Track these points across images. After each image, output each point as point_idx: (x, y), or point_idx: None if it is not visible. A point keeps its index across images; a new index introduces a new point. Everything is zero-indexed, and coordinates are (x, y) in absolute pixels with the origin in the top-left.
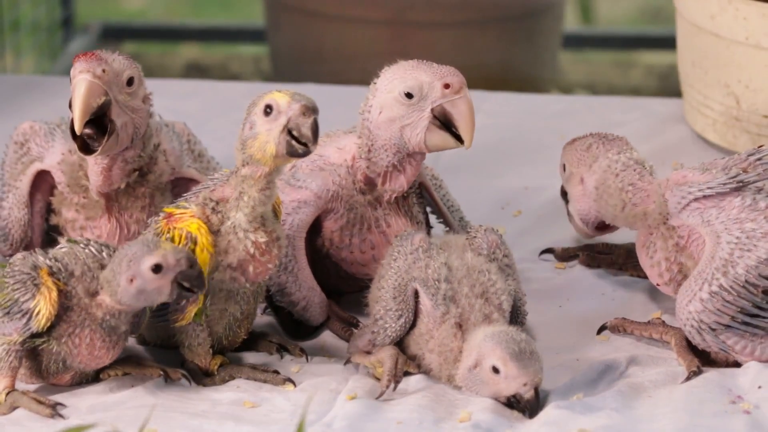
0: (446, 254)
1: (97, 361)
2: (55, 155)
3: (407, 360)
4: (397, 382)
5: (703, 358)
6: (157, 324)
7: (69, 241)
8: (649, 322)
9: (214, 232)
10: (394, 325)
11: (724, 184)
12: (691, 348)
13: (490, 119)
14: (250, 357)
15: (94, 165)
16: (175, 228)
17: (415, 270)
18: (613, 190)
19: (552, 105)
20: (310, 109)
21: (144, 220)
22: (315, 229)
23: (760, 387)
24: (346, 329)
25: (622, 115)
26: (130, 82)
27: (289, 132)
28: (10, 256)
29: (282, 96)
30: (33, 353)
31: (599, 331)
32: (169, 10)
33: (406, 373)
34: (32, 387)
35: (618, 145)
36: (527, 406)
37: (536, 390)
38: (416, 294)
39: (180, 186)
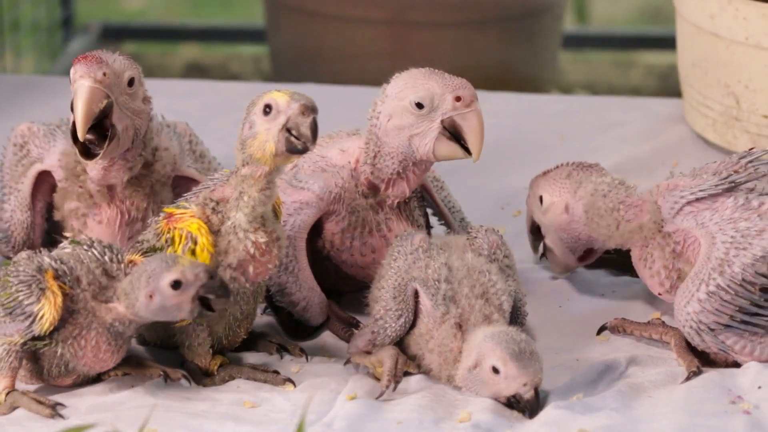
0: (446, 254)
1: (102, 364)
2: (56, 155)
3: (407, 360)
4: (397, 382)
5: (702, 359)
6: (157, 324)
7: (72, 242)
8: (648, 322)
9: (215, 232)
10: (393, 325)
11: (716, 185)
12: (691, 348)
13: (490, 119)
14: (250, 357)
15: (94, 164)
16: (175, 228)
17: (415, 270)
18: (604, 211)
19: (552, 105)
20: (309, 109)
21: (145, 208)
22: (316, 230)
23: (760, 387)
24: (345, 329)
25: (622, 115)
26: (130, 83)
27: (288, 131)
28: (10, 257)
29: (281, 95)
30: (34, 356)
31: (599, 332)
32: (169, 10)
33: (406, 373)
34: (32, 388)
35: (597, 169)
36: (527, 406)
37: (536, 390)
38: (416, 294)
39: (180, 186)
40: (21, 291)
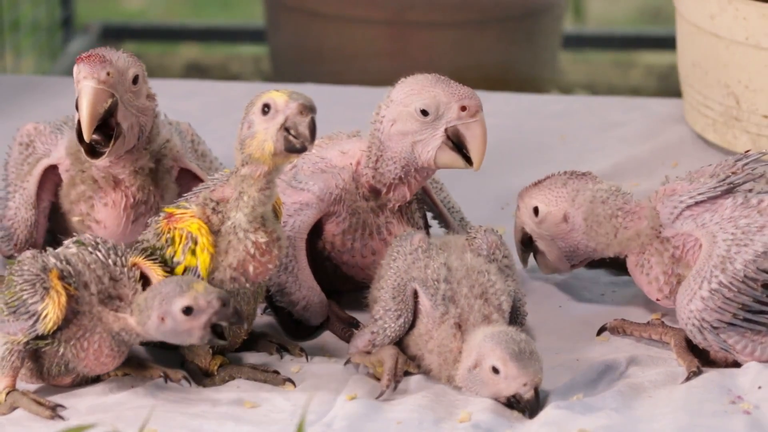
0: (446, 254)
1: (102, 367)
2: (62, 147)
3: (407, 360)
4: (397, 382)
5: (702, 358)
6: None
7: (77, 242)
8: (648, 323)
9: (215, 233)
10: (393, 325)
11: (715, 188)
12: (691, 348)
13: (490, 119)
14: (250, 357)
15: (100, 162)
16: (175, 228)
17: (415, 270)
18: (603, 218)
19: (552, 105)
20: (308, 108)
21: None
22: (316, 231)
23: (760, 387)
24: (346, 330)
25: (622, 115)
26: (135, 80)
27: (287, 131)
28: (12, 257)
29: (279, 95)
30: (35, 354)
31: (599, 333)
32: (169, 10)
33: (407, 373)
34: (32, 387)
35: (591, 177)
36: (527, 406)
37: (536, 390)
38: (416, 294)
39: (183, 182)
40: (25, 290)
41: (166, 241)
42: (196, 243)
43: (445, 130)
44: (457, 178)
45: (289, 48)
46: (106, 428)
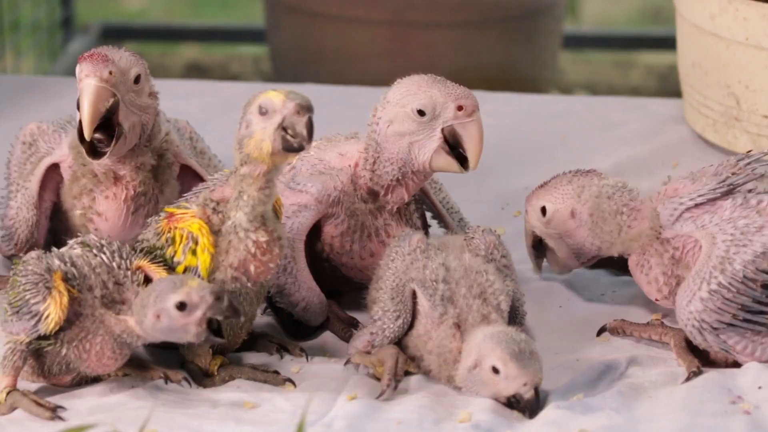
0: (444, 255)
1: (104, 368)
2: (65, 144)
3: (408, 359)
4: (397, 382)
5: (702, 359)
6: None
7: (81, 243)
8: (648, 323)
9: (215, 233)
10: (392, 326)
11: (715, 189)
12: (691, 349)
13: (490, 119)
14: (250, 357)
15: (102, 162)
16: (176, 228)
17: (413, 271)
18: (608, 214)
19: (552, 105)
20: (305, 108)
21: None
22: (314, 232)
23: (760, 387)
24: (346, 330)
25: (622, 116)
26: (137, 80)
27: (284, 130)
28: (12, 256)
29: (277, 95)
30: (37, 353)
31: (599, 333)
32: (169, 11)
33: (407, 373)
34: (32, 386)
35: (596, 174)
36: (527, 406)
37: (536, 390)
38: (414, 295)
39: (183, 180)
40: (28, 290)
41: (167, 240)
42: (196, 243)
43: (442, 130)
44: (457, 178)
45: (289, 48)
46: (106, 428)
